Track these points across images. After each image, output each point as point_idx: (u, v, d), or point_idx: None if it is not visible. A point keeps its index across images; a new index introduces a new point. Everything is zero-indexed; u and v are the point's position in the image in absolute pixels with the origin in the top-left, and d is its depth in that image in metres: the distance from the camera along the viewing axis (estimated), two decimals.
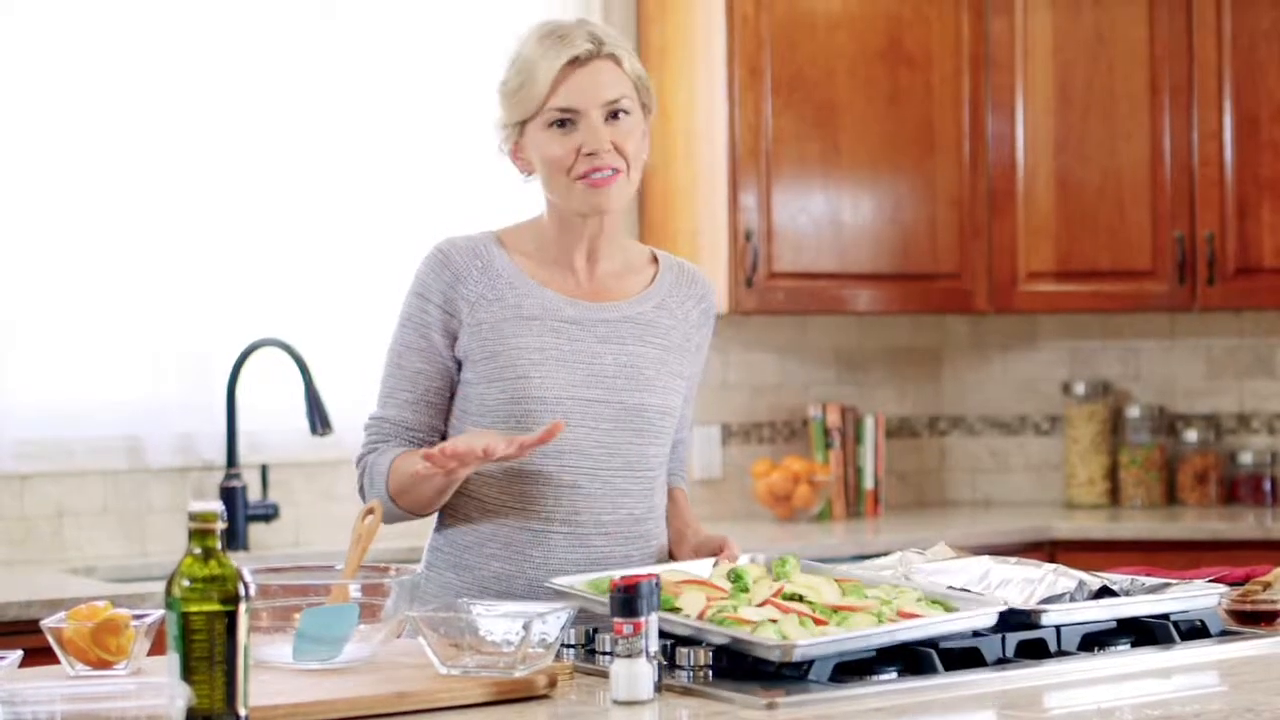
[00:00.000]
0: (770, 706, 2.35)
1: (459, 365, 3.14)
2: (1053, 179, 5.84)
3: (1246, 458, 6.08)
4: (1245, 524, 5.56)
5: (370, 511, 2.87)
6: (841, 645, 2.54)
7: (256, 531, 5.03)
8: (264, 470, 5.03)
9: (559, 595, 2.88)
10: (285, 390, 4.92)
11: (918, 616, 2.66)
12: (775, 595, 2.74)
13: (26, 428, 4.78)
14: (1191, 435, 6.11)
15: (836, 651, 2.54)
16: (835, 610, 2.69)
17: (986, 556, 3.07)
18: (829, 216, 5.61)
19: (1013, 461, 6.37)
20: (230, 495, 4.91)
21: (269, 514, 4.99)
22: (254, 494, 5.02)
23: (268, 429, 5.02)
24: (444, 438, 3.15)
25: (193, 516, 2.14)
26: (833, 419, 5.93)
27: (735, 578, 2.87)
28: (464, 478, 3.01)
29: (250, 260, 5.04)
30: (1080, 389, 6.16)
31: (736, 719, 2.33)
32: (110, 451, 4.89)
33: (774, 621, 2.61)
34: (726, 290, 5.44)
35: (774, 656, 2.51)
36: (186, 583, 2.11)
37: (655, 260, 3.30)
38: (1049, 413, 6.32)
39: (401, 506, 3.09)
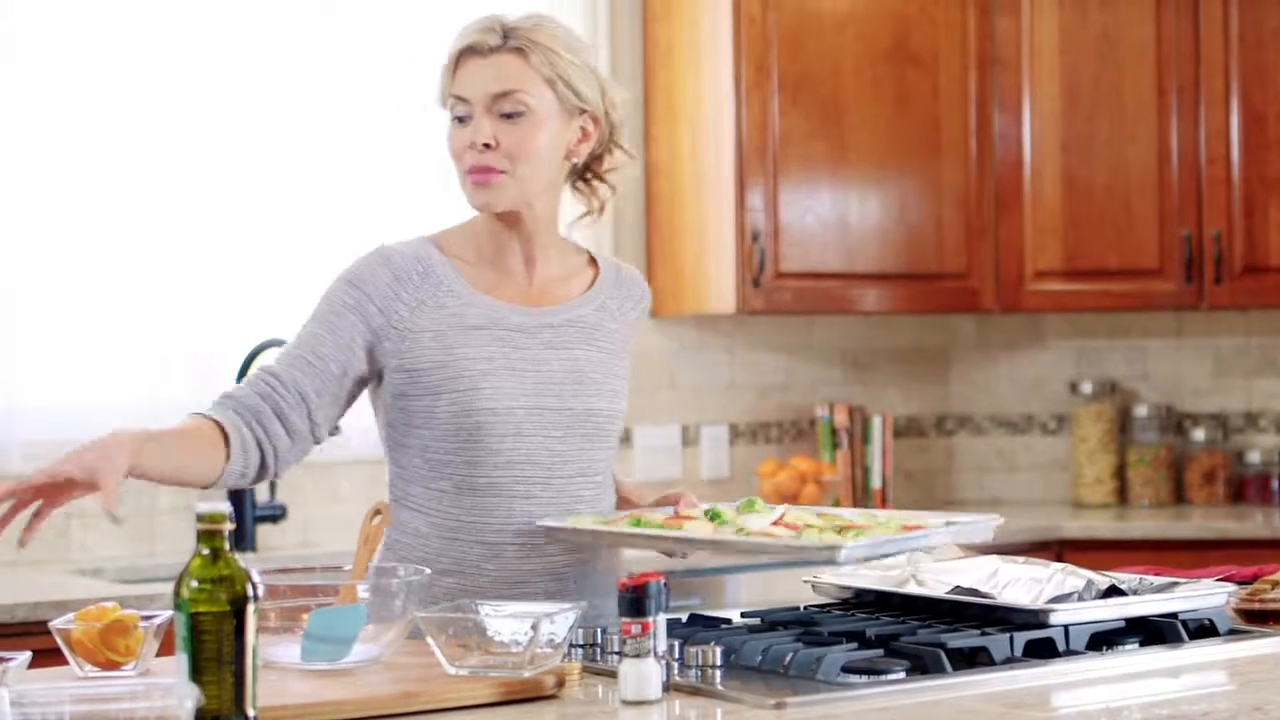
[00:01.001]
0: (778, 706, 2.35)
1: (373, 371, 3.03)
2: (1059, 178, 5.84)
3: (1254, 457, 6.07)
4: (1253, 523, 5.57)
5: (378, 512, 2.87)
6: (884, 548, 2.65)
7: (264, 532, 5.03)
8: None
9: (547, 532, 2.96)
10: None
11: (923, 528, 2.75)
12: (780, 520, 2.78)
13: (33, 429, 4.79)
14: (1199, 434, 6.11)
15: (882, 554, 2.65)
16: (842, 530, 2.73)
17: (994, 556, 3.07)
18: (836, 216, 5.61)
19: (1020, 461, 6.37)
20: (238, 496, 4.91)
21: (277, 515, 5.00)
22: (262, 495, 5.02)
23: None
24: (309, 410, 2.97)
25: (201, 517, 2.14)
26: (840, 419, 5.93)
27: (714, 515, 2.90)
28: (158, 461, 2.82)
29: (257, 261, 5.05)
30: (1087, 388, 6.16)
31: (745, 719, 2.33)
32: None
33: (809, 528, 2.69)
34: (733, 290, 5.45)
35: (821, 559, 2.59)
36: (195, 583, 2.11)
37: (593, 262, 3.24)
38: (1056, 412, 6.32)
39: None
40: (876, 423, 5.98)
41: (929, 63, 5.77)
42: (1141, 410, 6.14)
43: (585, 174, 3.17)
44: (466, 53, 3.02)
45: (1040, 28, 5.85)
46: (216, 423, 2.91)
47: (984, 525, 2.79)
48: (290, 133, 5.10)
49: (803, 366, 6.08)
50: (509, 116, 3.00)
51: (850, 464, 5.91)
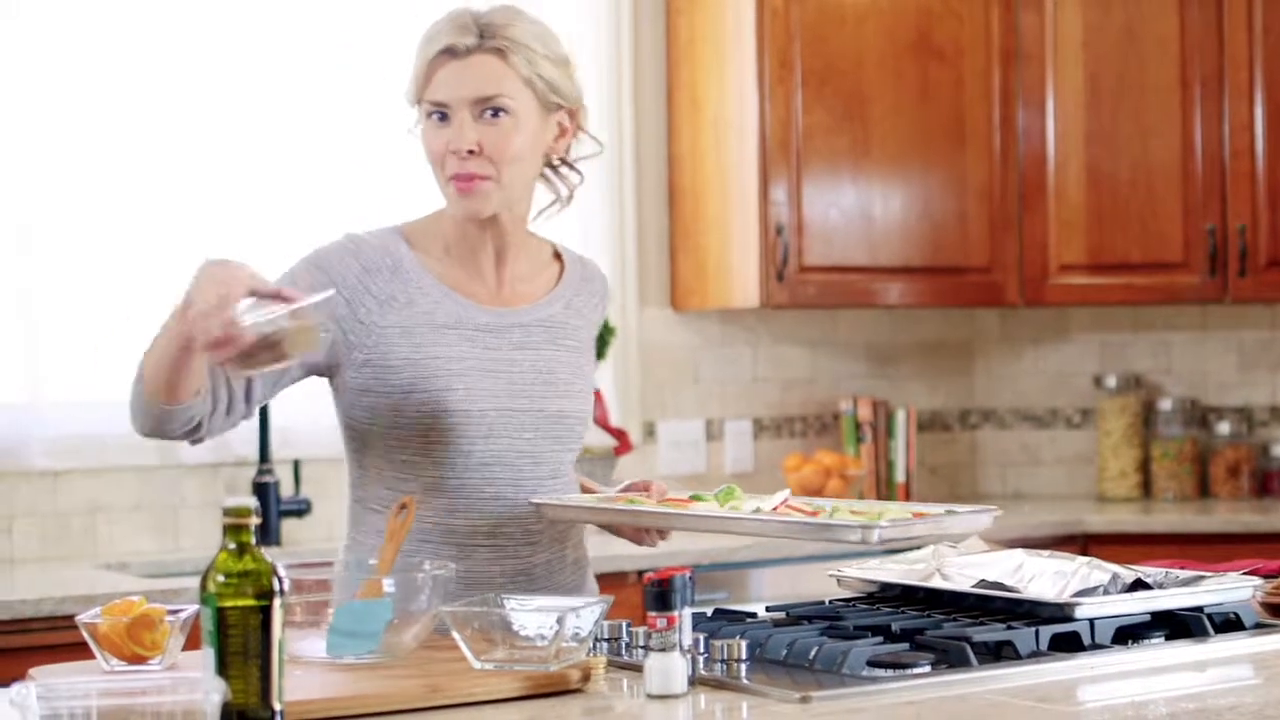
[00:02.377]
0: (804, 700, 2.35)
1: (329, 362, 2.97)
2: (1084, 172, 5.83)
3: (1279, 450, 6.06)
4: (1278, 517, 5.55)
5: (403, 507, 2.87)
6: (913, 530, 2.69)
7: (289, 527, 5.04)
8: (296, 465, 5.04)
9: (540, 510, 2.97)
10: (317, 385, 4.91)
11: (929, 515, 2.76)
12: (782, 505, 2.80)
13: (59, 425, 4.80)
14: (1224, 428, 6.09)
15: (911, 534, 2.69)
16: (854, 515, 2.76)
17: (1019, 549, 3.07)
18: (859, 210, 5.61)
19: (1044, 455, 6.36)
20: (263, 490, 4.92)
21: (301, 509, 5.01)
22: (286, 489, 5.03)
23: (300, 424, 5.03)
24: (249, 385, 2.89)
25: (227, 512, 2.15)
26: (864, 413, 5.93)
27: (698, 500, 2.94)
28: (201, 367, 2.74)
29: (278, 256, 5.03)
30: (1112, 382, 6.15)
31: (770, 712, 2.33)
32: (143, 447, 4.89)
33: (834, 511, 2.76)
34: (757, 284, 5.45)
35: (854, 539, 2.61)
36: (221, 578, 2.12)
37: (558, 257, 3.20)
38: (1080, 406, 6.31)
39: (145, 377, 2.81)
40: (900, 417, 5.97)
41: (952, 56, 5.76)
42: (1166, 404, 6.12)
43: (551, 162, 3.12)
44: (443, 54, 2.96)
45: (1063, 21, 5.84)
46: None
47: (984, 515, 2.80)
48: (310, 132, 5.11)
49: (827, 360, 6.08)
50: (490, 118, 2.95)
51: (874, 458, 5.91)
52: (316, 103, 5.13)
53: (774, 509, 2.85)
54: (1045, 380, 6.36)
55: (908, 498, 5.92)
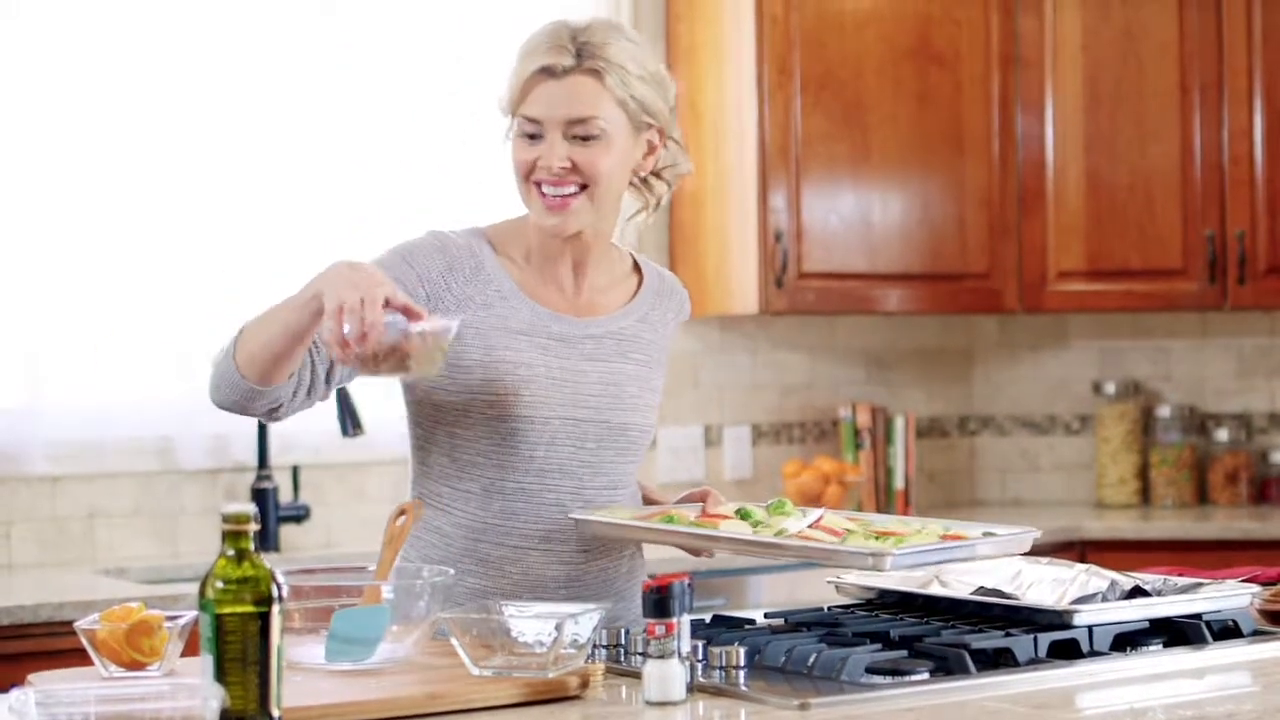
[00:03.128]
0: (803, 707, 2.35)
1: None
2: (1082, 178, 5.83)
3: (1278, 457, 6.06)
4: (1277, 524, 5.55)
5: (403, 512, 2.87)
6: (928, 557, 2.69)
7: (288, 533, 5.04)
8: (295, 471, 5.04)
9: (578, 525, 2.96)
10: None
11: (963, 538, 2.76)
12: (817, 524, 2.79)
13: (58, 430, 4.80)
14: (1222, 435, 6.09)
15: (928, 562, 2.71)
16: (881, 535, 2.74)
17: (1018, 556, 3.06)
18: (859, 216, 5.61)
19: (1043, 461, 6.36)
20: (261, 496, 4.92)
21: (300, 515, 5.01)
22: (285, 495, 5.03)
23: (299, 430, 5.03)
24: (329, 370, 2.92)
25: (226, 518, 2.15)
26: (863, 419, 5.93)
27: (744, 515, 2.91)
28: (307, 347, 2.81)
29: (280, 259, 5.05)
30: (1111, 389, 6.15)
31: (769, 719, 2.33)
32: (142, 453, 4.90)
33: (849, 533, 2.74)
34: (756, 290, 5.45)
35: (866, 565, 2.61)
36: (220, 584, 2.12)
37: (637, 269, 3.23)
38: (1079, 412, 6.31)
39: (238, 357, 2.81)
40: (899, 423, 5.97)
41: (951, 62, 5.76)
42: (1165, 411, 6.12)
43: (640, 174, 3.14)
44: (540, 73, 2.97)
45: (1062, 26, 5.84)
46: None
47: (1021, 538, 2.80)
48: (312, 132, 5.11)
49: (825, 367, 6.08)
50: (582, 139, 2.97)
51: (873, 464, 5.91)
52: (317, 104, 5.13)
53: (811, 526, 2.85)
54: (1044, 387, 6.36)
55: (906, 504, 5.92)
